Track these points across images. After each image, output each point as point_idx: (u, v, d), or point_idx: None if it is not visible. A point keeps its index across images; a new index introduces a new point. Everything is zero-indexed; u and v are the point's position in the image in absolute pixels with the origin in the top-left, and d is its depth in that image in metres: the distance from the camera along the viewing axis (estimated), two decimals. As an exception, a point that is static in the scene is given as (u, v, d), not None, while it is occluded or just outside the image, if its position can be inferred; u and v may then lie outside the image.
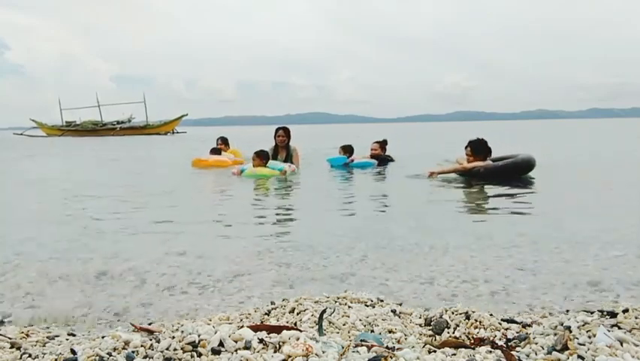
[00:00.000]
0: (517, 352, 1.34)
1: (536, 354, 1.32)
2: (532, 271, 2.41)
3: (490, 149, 6.45)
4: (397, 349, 1.32)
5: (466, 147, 6.46)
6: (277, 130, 8.00)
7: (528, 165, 6.18)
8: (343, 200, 5.10)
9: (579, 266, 2.43)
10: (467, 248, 2.86)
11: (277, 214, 4.35)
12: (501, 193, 5.16)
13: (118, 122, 41.98)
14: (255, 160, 7.09)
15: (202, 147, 12.68)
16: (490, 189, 5.39)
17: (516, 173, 6.15)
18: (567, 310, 1.82)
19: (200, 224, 3.88)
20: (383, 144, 8.62)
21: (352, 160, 8.03)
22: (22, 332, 1.50)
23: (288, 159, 7.81)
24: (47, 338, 1.53)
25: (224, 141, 9.68)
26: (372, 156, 8.32)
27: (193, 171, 8.17)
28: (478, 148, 6.33)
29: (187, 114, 43.39)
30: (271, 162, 7.23)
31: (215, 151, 9.07)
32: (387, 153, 8.58)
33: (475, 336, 1.50)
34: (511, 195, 4.99)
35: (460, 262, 2.58)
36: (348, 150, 8.36)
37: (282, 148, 7.87)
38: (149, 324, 1.73)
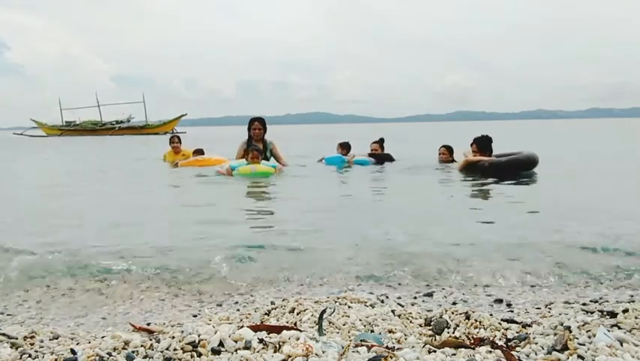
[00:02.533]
0: (517, 352, 1.34)
1: (536, 354, 1.32)
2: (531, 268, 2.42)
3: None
4: (397, 349, 1.32)
5: (472, 144, 6.64)
6: (252, 122, 7.11)
7: (531, 161, 6.29)
8: (342, 199, 5.09)
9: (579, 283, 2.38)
10: (467, 246, 2.86)
11: (274, 214, 4.34)
12: (502, 191, 5.20)
13: (117, 122, 42.17)
14: (254, 159, 6.45)
15: (201, 146, 12.59)
16: (492, 188, 5.41)
17: (519, 169, 6.26)
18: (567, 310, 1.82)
19: (197, 225, 3.86)
20: (381, 142, 8.67)
21: (349, 157, 8.02)
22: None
23: (266, 154, 7.08)
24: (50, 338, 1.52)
25: (179, 140, 9.18)
26: (373, 155, 8.32)
27: (180, 170, 8.05)
28: (484, 144, 6.51)
29: (186, 114, 43.58)
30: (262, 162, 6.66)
31: (199, 152, 8.84)
32: (386, 152, 8.60)
33: (475, 336, 1.50)
34: (512, 194, 5.01)
35: (459, 261, 2.58)
36: (345, 147, 8.37)
37: (258, 142, 7.06)
38: (148, 324, 1.73)
